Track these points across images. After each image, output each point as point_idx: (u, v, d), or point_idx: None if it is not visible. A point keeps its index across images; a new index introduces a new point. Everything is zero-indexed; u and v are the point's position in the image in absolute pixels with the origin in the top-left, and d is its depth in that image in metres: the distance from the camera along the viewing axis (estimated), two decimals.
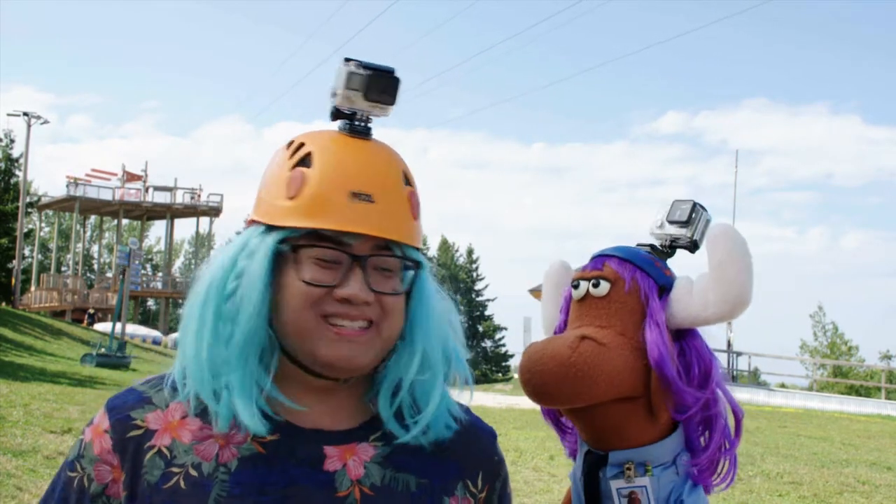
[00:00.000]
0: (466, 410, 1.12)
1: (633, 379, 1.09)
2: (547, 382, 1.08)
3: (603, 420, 1.12)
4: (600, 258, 1.20)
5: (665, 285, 1.16)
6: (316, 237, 0.95)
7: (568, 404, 1.11)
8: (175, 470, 0.94)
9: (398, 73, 1.01)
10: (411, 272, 1.02)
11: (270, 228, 0.97)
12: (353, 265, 0.95)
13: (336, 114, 1.02)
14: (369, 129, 1.02)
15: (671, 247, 1.23)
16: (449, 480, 1.04)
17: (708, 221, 1.22)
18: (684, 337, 1.16)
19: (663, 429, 1.14)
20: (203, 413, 0.98)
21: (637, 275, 1.15)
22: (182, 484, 0.93)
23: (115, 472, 0.96)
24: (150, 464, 0.95)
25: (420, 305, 1.02)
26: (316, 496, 0.95)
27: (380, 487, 0.98)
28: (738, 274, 1.09)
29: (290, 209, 0.96)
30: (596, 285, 1.16)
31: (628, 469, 1.11)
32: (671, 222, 1.22)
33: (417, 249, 1.02)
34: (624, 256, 1.18)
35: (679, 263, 1.24)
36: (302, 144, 1.00)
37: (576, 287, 1.18)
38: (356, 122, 1.01)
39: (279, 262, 0.96)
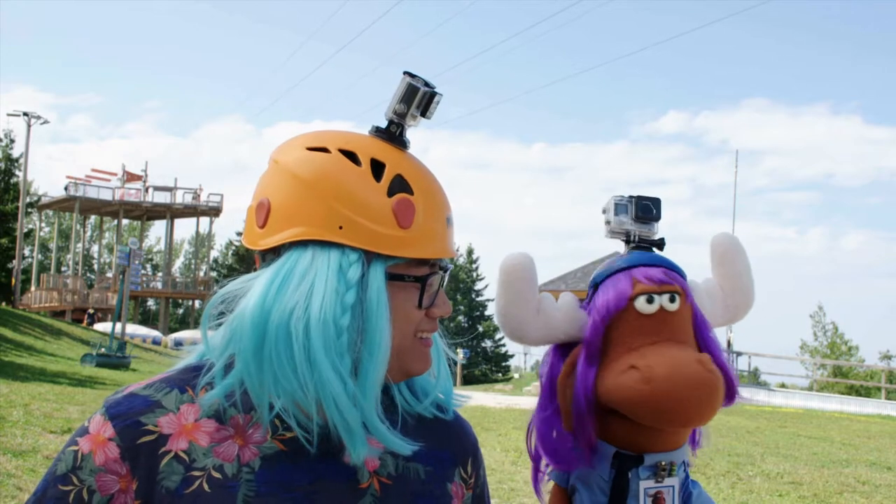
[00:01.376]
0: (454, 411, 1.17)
1: None
2: (701, 408, 1.07)
3: (682, 434, 1.15)
4: (654, 268, 1.15)
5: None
6: (417, 263, 0.98)
7: (702, 424, 1.12)
8: (196, 474, 0.93)
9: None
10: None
11: (374, 256, 0.95)
12: (441, 287, 1.01)
13: (391, 125, 1.01)
14: (409, 141, 1.03)
15: (637, 244, 1.22)
16: (447, 468, 1.08)
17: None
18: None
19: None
20: (217, 414, 0.97)
21: (685, 285, 1.17)
22: (206, 487, 0.92)
23: (122, 481, 0.92)
24: (167, 469, 0.93)
25: None
26: (341, 489, 0.97)
27: (395, 477, 1.01)
28: (751, 282, 1.23)
29: (404, 239, 0.95)
30: (672, 300, 1.14)
31: (663, 470, 1.12)
32: (638, 219, 1.21)
33: None
34: (670, 266, 1.18)
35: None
36: (380, 163, 0.97)
37: (650, 301, 1.13)
38: (404, 137, 1.02)
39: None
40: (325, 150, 0.97)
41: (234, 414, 0.97)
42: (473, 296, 55.59)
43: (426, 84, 0.99)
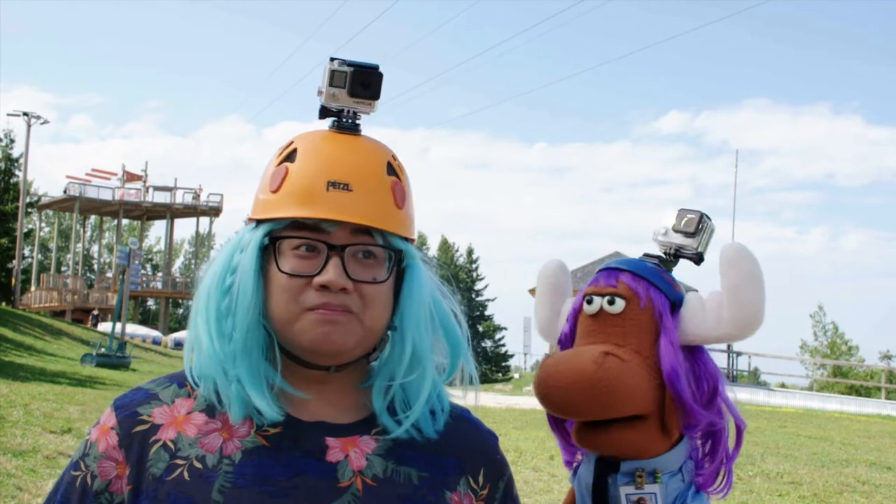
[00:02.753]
0: (467, 412, 1.13)
1: (648, 397, 1.10)
2: (569, 397, 1.07)
3: (616, 438, 1.12)
4: (612, 272, 1.18)
5: (676, 301, 1.16)
6: (296, 228, 0.98)
7: (586, 418, 1.11)
8: (179, 462, 0.96)
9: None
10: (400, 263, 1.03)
11: (259, 223, 1.01)
12: (331, 254, 0.97)
13: (324, 112, 1.04)
14: (357, 125, 1.04)
15: (675, 256, 1.22)
16: (450, 476, 1.05)
17: (713, 233, 1.22)
18: (693, 353, 1.16)
19: (673, 441, 1.14)
20: (209, 409, 1.00)
21: (651, 292, 1.14)
22: (186, 475, 0.95)
23: (119, 467, 0.97)
24: (154, 457, 0.97)
25: (409, 296, 1.03)
26: (319, 486, 0.96)
27: (382, 479, 0.99)
28: (754, 296, 1.10)
29: (273, 202, 0.99)
30: (611, 302, 1.14)
31: (639, 477, 1.12)
32: (677, 231, 1.20)
33: (408, 241, 1.04)
34: (637, 272, 1.16)
35: (678, 273, 1.24)
36: (291, 143, 1.03)
37: (589, 302, 1.16)
38: (343, 119, 1.04)
39: (266, 256, 1.00)
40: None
41: (223, 409, 1.00)
42: (473, 296, 55.60)
43: (346, 63, 1.01)
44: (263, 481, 0.95)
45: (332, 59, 1.02)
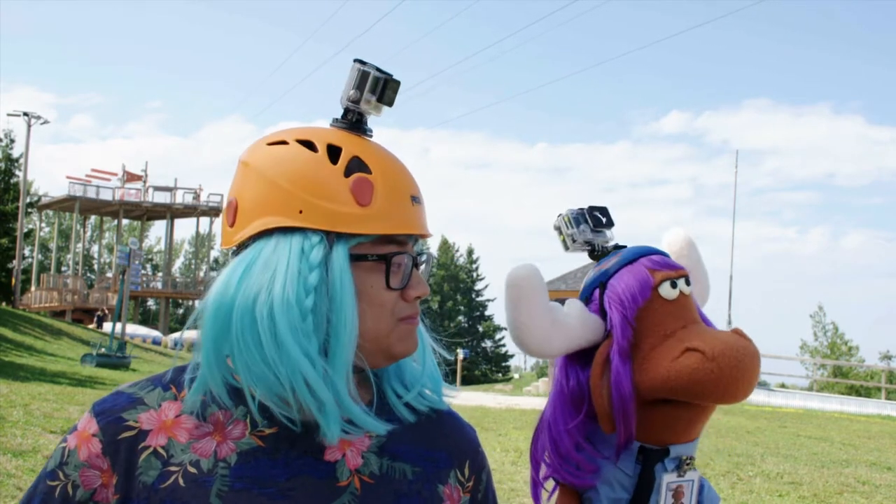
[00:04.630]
0: (450, 408, 1.15)
1: None
2: (754, 379, 1.11)
3: (695, 413, 1.14)
4: (659, 256, 1.21)
5: None
6: (382, 243, 0.97)
7: (748, 396, 1.14)
8: (173, 469, 0.94)
9: (395, 73, 1.04)
10: (423, 266, 1.07)
11: (330, 236, 0.95)
12: (415, 267, 1.00)
13: (348, 113, 1.04)
14: (372, 129, 1.05)
15: (601, 253, 1.27)
16: (441, 469, 1.06)
17: (557, 228, 1.31)
18: None
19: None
20: (200, 411, 0.97)
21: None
22: (181, 482, 0.93)
23: (104, 476, 0.94)
24: (145, 464, 0.94)
25: None
26: (318, 487, 0.96)
27: (378, 476, 0.99)
28: (706, 271, 1.33)
29: (362, 216, 0.95)
30: (688, 283, 1.18)
31: (687, 463, 1.13)
32: (597, 229, 1.26)
33: None
34: (663, 254, 1.23)
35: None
36: (337, 147, 0.98)
37: (674, 286, 1.16)
38: (363, 123, 1.03)
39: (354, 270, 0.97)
40: (283, 142, 1.00)
41: (214, 411, 0.98)
42: (473, 296, 55.58)
43: (378, 70, 1.01)
44: (262, 483, 0.94)
45: (361, 62, 1.01)
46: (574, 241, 1.25)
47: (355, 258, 0.95)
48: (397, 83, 1.02)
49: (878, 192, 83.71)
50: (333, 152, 0.98)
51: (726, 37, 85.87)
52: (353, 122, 1.02)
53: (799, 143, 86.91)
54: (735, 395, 1.09)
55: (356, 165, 0.97)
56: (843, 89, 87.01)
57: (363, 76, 1.00)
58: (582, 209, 1.26)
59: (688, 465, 1.13)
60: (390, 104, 1.02)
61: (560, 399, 1.20)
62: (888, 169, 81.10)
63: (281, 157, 0.98)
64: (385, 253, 0.96)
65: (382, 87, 1.00)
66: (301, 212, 0.95)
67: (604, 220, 1.26)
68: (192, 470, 0.94)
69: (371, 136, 1.03)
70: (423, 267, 1.04)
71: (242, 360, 0.92)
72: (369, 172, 0.97)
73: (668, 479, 1.12)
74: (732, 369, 1.06)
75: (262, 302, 0.91)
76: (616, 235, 1.28)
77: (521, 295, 1.14)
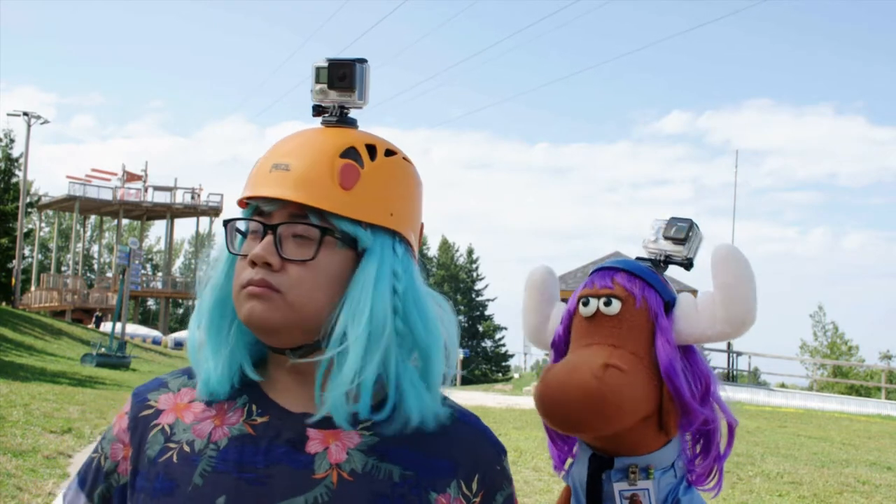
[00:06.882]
0: (476, 419, 1.10)
1: (651, 400, 1.11)
2: (572, 414, 1.07)
3: (616, 440, 1.13)
4: (607, 272, 1.18)
5: (670, 301, 1.17)
6: (255, 214, 1.02)
7: (593, 433, 1.11)
8: (172, 446, 1.01)
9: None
10: (332, 239, 0.99)
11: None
12: (266, 232, 0.99)
13: (317, 110, 1.08)
14: (344, 119, 1.07)
15: (665, 262, 1.23)
16: (439, 477, 1.02)
17: (701, 241, 1.24)
18: (685, 353, 1.17)
19: (667, 437, 1.15)
20: (210, 399, 1.04)
21: (646, 291, 1.15)
22: (175, 458, 0.99)
23: (125, 449, 1.03)
24: (152, 440, 1.02)
25: (354, 281, 0.99)
26: (293, 476, 0.97)
27: (360, 474, 0.98)
28: (746, 295, 1.12)
29: (242, 190, 1.06)
30: (608, 304, 1.14)
31: (633, 473, 1.12)
32: (667, 238, 1.22)
33: (376, 227, 1.00)
34: (633, 271, 1.17)
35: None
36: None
37: (585, 304, 1.16)
38: (326, 115, 1.07)
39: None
40: None
41: (220, 399, 1.04)
42: (473, 295, 55.60)
43: (328, 59, 1.07)
44: (242, 468, 0.97)
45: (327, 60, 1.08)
46: (646, 244, 1.24)
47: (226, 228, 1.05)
48: (343, 65, 1.06)
49: (880, 192, 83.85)
50: None
51: (727, 37, 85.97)
52: (318, 115, 1.08)
53: (800, 143, 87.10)
54: (556, 424, 1.11)
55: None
56: (846, 90, 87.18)
57: (315, 70, 1.07)
58: (677, 219, 1.24)
59: (634, 473, 1.12)
60: (343, 89, 1.06)
61: None
62: (890, 169, 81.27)
63: None
64: (228, 218, 1.05)
65: (327, 74, 1.06)
66: None
67: (676, 233, 1.21)
68: (187, 449, 1.00)
69: (337, 125, 1.07)
70: (291, 232, 0.98)
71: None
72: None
73: (619, 486, 1.13)
74: (549, 398, 1.09)
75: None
76: (694, 251, 1.23)
77: (525, 290, 1.29)
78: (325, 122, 1.07)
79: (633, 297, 1.14)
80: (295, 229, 0.99)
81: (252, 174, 1.04)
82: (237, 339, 1.04)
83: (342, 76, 1.06)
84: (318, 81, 1.06)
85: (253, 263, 0.98)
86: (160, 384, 1.09)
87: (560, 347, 1.21)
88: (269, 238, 0.98)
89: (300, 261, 0.98)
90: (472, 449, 1.06)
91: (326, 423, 1.01)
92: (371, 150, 1.03)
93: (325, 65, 1.06)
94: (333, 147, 1.01)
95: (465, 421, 1.08)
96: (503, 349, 54.36)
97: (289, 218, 0.99)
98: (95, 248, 56.69)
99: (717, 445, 1.20)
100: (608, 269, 1.19)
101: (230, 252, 1.03)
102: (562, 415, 1.08)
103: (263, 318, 0.97)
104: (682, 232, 1.21)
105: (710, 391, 1.16)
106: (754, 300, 1.13)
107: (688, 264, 1.22)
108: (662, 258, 1.22)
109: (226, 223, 1.05)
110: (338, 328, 0.98)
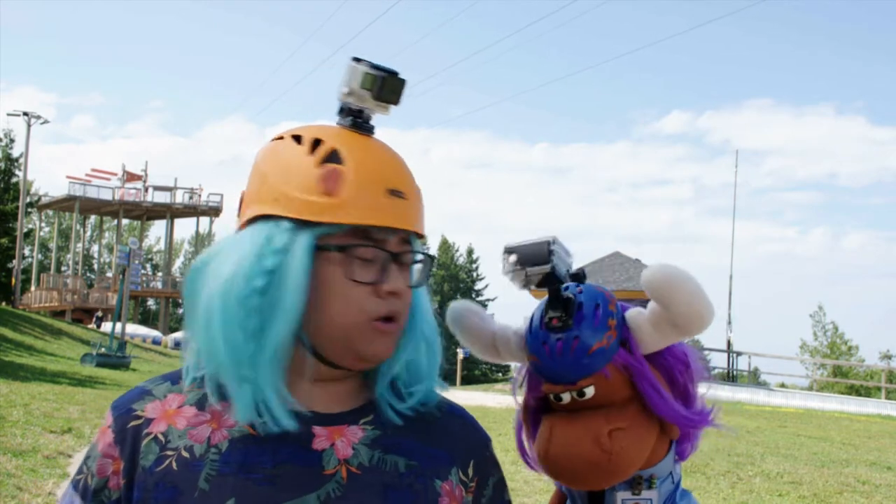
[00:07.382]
0: (463, 410, 1.15)
1: (654, 432, 1.10)
2: (587, 481, 1.09)
3: None
4: (555, 362, 1.07)
5: (624, 336, 1.09)
6: (352, 235, 0.97)
7: (596, 488, 1.13)
8: (169, 453, 0.98)
9: (401, 74, 1.03)
10: (418, 265, 1.05)
11: (300, 224, 0.97)
12: (390, 261, 0.98)
13: (348, 113, 1.04)
14: (373, 126, 1.05)
15: (573, 277, 1.14)
16: (441, 466, 1.06)
17: (566, 250, 1.14)
18: (655, 355, 1.12)
19: (669, 445, 1.16)
20: (200, 402, 1.02)
21: (608, 359, 1.07)
22: (174, 465, 0.97)
23: (115, 463, 1.00)
24: (146, 450, 0.99)
25: (420, 295, 1.07)
26: (303, 474, 0.97)
27: (367, 467, 1.00)
28: (691, 302, 1.04)
29: (328, 206, 0.96)
30: (581, 395, 1.08)
31: (638, 484, 1.13)
32: (532, 265, 1.08)
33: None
34: (589, 330, 1.06)
35: None
36: (320, 140, 1.00)
37: (558, 399, 1.09)
38: (362, 121, 1.03)
39: (316, 261, 0.97)
40: (280, 138, 1.04)
41: (213, 402, 1.01)
42: (473, 296, 55.61)
43: (375, 67, 1.01)
44: (248, 468, 0.96)
45: (357, 60, 1.02)
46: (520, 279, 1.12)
47: (320, 248, 0.96)
48: (399, 81, 1.02)
49: (880, 192, 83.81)
50: (316, 144, 1.00)
51: (727, 36, 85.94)
52: (350, 119, 1.03)
53: (800, 143, 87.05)
54: (570, 486, 1.15)
55: (332, 157, 0.98)
56: (846, 90, 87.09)
57: (353, 72, 1.02)
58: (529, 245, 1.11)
59: (639, 484, 1.12)
60: (392, 102, 1.02)
61: (520, 404, 1.24)
62: (890, 169, 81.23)
63: (273, 150, 1.03)
64: (347, 244, 0.96)
65: (380, 85, 1.01)
66: (276, 200, 0.98)
67: (539, 258, 1.10)
68: (186, 454, 0.97)
69: (370, 132, 1.03)
70: (418, 266, 1.03)
71: (204, 343, 0.97)
72: (341, 163, 0.98)
73: (622, 496, 1.13)
74: (560, 471, 1.12)
75: (218, 283, 0.96)
76: (566, 263, 1.13)
77: (455, 332, 1.22)
78: (360, 129, 1.03)
79: (602, 373, 1.07)
80: (407, 258, 1.01)
81: (360, 195, 0.96)
82: (277, 364, 0.97)
83: (396, 90, 1.02)
84: (363, 87, 1.01)
85: (389, 294, 0.98)
86: (142, 393, 1.04)
87: (536, 416, 1.19)
88: (396, 268, 0.99)
89: (416, 287, 1.03)
90: (464, 438, 1.11)
91: (333, 420, 1.02)
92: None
93: (378, 74, 1.00)
94: (412, 173, 1.05)
95: (454, 412, 1.14)
96: None
97: (401, 247, 1.01)
98: (95, 248, 56.73)
99: (697, 438, 1.20)
100: (560, 363, 1.07)
101: (355, 281, 0.96)
102: (572, 482, 1.11)
103: (392, 351, 1.02)
104: (544, 255, 1.08)
105: (690, 390, 1.14)
106: (702, 301, 1.05)
107: (577, 276, 1.14)
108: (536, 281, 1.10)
109: (349, 249, 0.96)
110: (418, 337, 1.06)
